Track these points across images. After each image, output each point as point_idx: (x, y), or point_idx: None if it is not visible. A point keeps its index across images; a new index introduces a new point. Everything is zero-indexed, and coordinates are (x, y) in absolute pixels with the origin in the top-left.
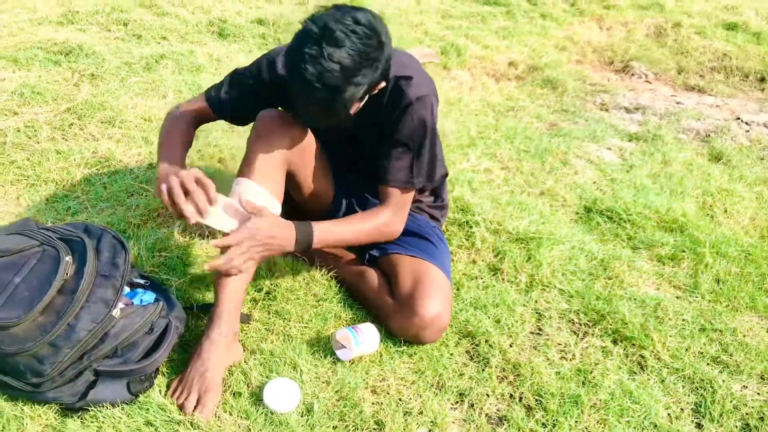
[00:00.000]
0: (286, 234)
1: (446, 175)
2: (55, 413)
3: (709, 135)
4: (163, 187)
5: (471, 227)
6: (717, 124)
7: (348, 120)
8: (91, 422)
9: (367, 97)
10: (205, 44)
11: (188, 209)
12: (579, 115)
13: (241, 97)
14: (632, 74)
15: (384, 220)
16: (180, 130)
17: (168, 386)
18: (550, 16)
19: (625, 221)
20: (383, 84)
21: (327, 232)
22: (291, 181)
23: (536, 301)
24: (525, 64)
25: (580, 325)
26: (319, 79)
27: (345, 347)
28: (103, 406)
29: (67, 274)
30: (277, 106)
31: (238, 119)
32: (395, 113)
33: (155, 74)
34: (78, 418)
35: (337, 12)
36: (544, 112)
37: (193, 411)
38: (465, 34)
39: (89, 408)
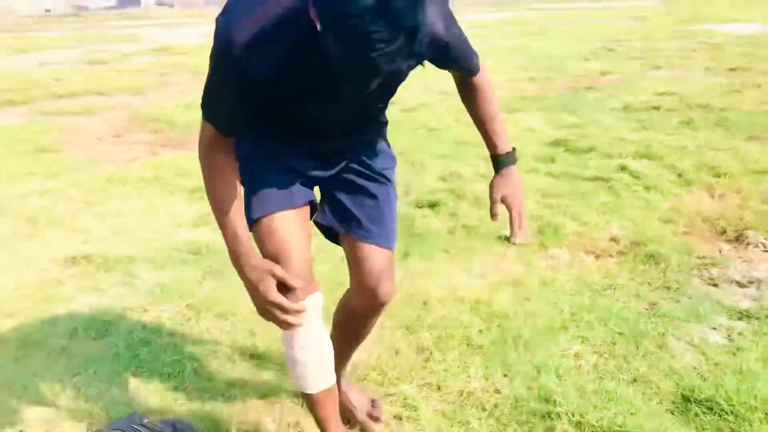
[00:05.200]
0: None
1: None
2: None
3: None
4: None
5: (552, 419)
6: None
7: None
8: None
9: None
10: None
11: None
12: (682, 293)
13: (242, 110)
14: (747, 244)
15: (489, 85)
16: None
17: None
18: (655, 188)
19: (727, 413)
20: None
21: (504, 136)
22: None
23: None
24: (627, 240)
25: None
26: None
27: None
28: None
29: None
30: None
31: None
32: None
33: None
34: None
35: None
36: (644, 290)
37: None
38: (564, 212)
39: None
